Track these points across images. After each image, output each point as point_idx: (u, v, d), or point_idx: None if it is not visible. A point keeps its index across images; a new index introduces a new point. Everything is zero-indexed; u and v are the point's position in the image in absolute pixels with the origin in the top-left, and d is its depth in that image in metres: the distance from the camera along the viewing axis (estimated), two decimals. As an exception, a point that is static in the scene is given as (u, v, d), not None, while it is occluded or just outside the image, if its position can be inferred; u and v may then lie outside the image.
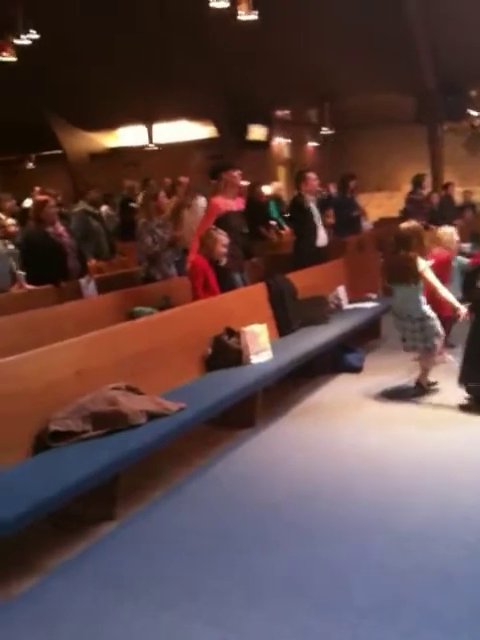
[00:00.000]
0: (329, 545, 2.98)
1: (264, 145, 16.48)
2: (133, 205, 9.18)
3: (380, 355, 6.06)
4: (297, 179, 7.16)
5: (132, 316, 5.04)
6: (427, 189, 11.60)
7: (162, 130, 16.69)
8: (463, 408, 4.51)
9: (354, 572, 2.76)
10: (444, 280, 5.21)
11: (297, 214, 6.98)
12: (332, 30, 12.32)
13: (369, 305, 6.51)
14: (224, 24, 11.36)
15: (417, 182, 10.95)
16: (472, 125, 15.70)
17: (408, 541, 2.96)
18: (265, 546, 2.99)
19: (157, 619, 2.53)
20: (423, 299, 4.80)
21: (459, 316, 4.86)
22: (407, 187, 11.50)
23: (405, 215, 9.39)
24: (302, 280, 6.02)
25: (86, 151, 17.62)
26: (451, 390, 4.75)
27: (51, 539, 3.07)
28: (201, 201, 7.23)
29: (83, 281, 5.99)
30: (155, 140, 16.98)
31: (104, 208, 9.49)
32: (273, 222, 9.92)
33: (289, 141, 17.97)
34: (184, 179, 7.89)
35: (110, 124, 17.05)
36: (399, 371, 5.32)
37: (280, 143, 17.79)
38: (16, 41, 11.23)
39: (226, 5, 10.36)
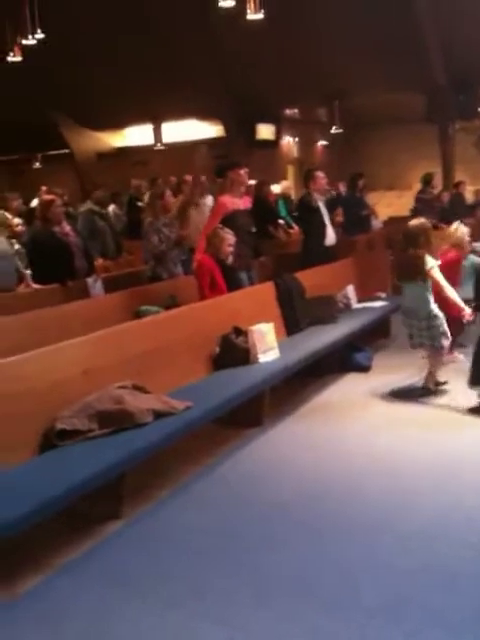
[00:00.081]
0: (336, 544, 2.97)
1: (273, 144, 16.44)
2: (140, 204, 9.18)
3: (389, 354, 6.03)
4: (305, 178, 7.13)
5: (138, 315, 5.03)
6: (437, 188, 11.55)
7: (170, 129, 16.68)
8: (471, 410, 4.47)
9: (361, 571, 2.74)
10: (454, 281, 5.16)
11: (305, 213, 6.95)
12: (340, 28, 12.27)
13: (378, 304, 6.48)
14: (231, 23, 11.33)
15: (426, 181, 10.89)
16: (484, 123, 15.59)
17: (414, 541, 2.95)
18: (273, 545, 2.98)
19: (164, 618, 2.53)
20: (431, 298, 4.77)
21: (463, 317, 4.83)
22: (418, 186, 11.44)
23: (415, 214, 9.33)
24: (310, 279, 6.00)
25: (93, 150, 17.64)
26: (460, 391, 4.71)
27: (57, 537, 3.07)
28: (209, 200, 7.22)
29: (90, 280, 5.98)
30: (163, 139, 16.98)
31: (111, 207, 9.49)
32: (281, 221, 9.89)
33: (298, 140, 17.92)
34: (189, 177, 7.87)
35: (117, 123, 17.06)
36: (408, 370, 5.28)
37: (289, 142, 17.74)
38: (23, 41, 11.25)
39: (233, 4, 10.33)
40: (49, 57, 12.62)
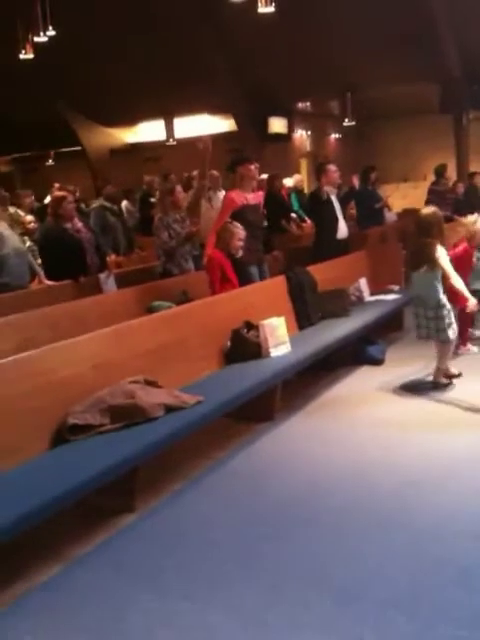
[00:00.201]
0: (348, 538, 2.97)
1: (285, 138, 16.39)
2: (153, 200, 9.21)
3: (402, 347, 6.01)
4: (318, 171, 7.11)
5: (150, 311, 5.05)
6: (451, 179, 11.46)
7: (182, 124, 16.68)
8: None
9: (373, 565, 2.75)
10: (465, 273, 5.12)
11: (315, 206, 6.93)
12: (352, 19, 12.16)
13: (391, 297, 6.45)
14: (243, 17, 11.30)
15: (439, 172, 10.82)
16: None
17: (425, 535, 2.94)
18: (285, 538, 2.99)
19: (177, 609, 2.55)
20: (440, 287, 4.73)
21: (466, 307, 4.80)
22: (432, 177, 11.36)
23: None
24: (323, 273, 5.98)
25: (106, 147, 17.69)
26: (473, 383, 4.68)
27: (71, 530, 3.11)
28: (221, 195, 7.21)
29: (102, 276, 6.01)
30: (175, 135, 16.98)
31: (124, 203, 9.54)
32: (294, 215, 9.87)
33: (310, 133, 17.85)
34: (194, 173, 7.86)
35: (129, 120, 17.09)
36: (421, 363, 5.26)
37: (301, 135, 17.67)
38: (35, 39, 11.30)
39: (244, -2, 10.31)
40: (61, 54, 12.66)
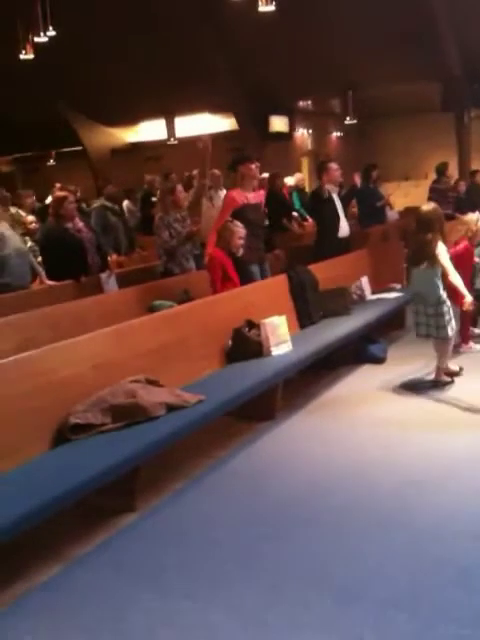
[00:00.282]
0: (349, 537, 2.97)
1: (286, 136, 16.38)
2: (154, 199, 9.21)
3: (404, 346, 6.00)
4: (319, 169, 7.10)
5: (152, 310, 5.05)
6: (453, 177, 11.43)
7: (183, 124, 16.67)
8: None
9: (374, 564, 2.74)
10: (465, 273, 5.10)
11: (317, 205, 6.92)
12: (353, 18, 12.15)
13: (393, 295, 6.44)
14: (243, 16, 11.29)
15: (440, 170, 10.80)
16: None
17: (426, 535, 2.94)
18: (285, 538, 2.99)
19: (178, 608, 2.55)
20: (440, 284, 4.72)
21: (462, 304, 4.78)
22: (434, 175, 11.34)
23: (430, 205, 9.25)
24: (324, 271, 5.98)
25: (107, 147, 17.70)
26: (474, 382, 4.67)
27: (71, 530, 3.11)
28: (222, 194, 7.21)
29: (104, 276, 6.01)
30: (176, 134, 16.98)
31: (126, 203, 9.54)
32: (295, 213, 9.86)
33: (311, 132, 17.83)
34: (194, 172, 7.86)
35: (130, 119, 17.09)
36: (423, 361, 5.24)
37: (302, 134, 17.66)
38: (35, 39, 11.30)
39: (244, -4, 10.30)
40: (61, 54, 12.66)
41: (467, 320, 5.67)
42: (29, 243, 6.25)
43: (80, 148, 17.25)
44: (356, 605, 2.50)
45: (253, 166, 5.75)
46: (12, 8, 11.15)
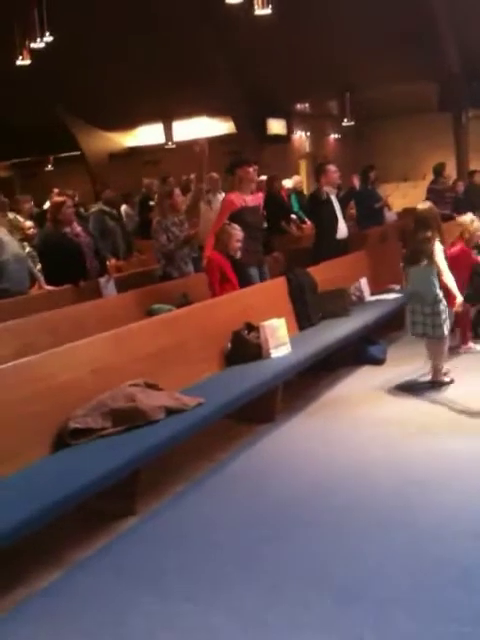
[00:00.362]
0: (349, 538, 2.97)
1: (284, 139, 16.41)
2: (152, 203, 9.22)
3: (403, 346, 5.99)
4: (317, 171, 7.12)
5: (151, 314, 5.06)
6: (451, 178, 11.43)
7: (181, 127, 16.70)
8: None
9: (374, 564, 2.75)
10: (460, 275, 5.07)
11: (315, 207, 6.93)
12: (350, 19, 12.15)
13: (392, 296, 6.44)
14: (240, 19, 11.31)
15: (438, 171, 10.80)
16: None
17: (426, 535, 2.94)
18: (286, 539, 3.00)
19: (179, 611, 2.55)
20: (437, 282, 4.72)
21: (453, 305, 4.78)
22: (432, 176, 11.34)
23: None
24: (323, 273, 5.98)
25: (105, 151, 17.72)
26: (473, 382, 4.67)
27: (72, 535, 3.11)
28: (220, 197, 7.22)
29: (102, 280, 6.02)
30: (174, 138, 17.00)
31: (124, 207, 9.55)
32: (294, 216, 9.87)
33: (309, 134, 17.86)
34: (192, 176, 7.87)
35: (128, 123, 17.10)
36: (423, 362, 5.24)
37: (300, 136, 17.68)
38: (32, 45, 11.32)
39: (240, 0, 10.31)
40: (58, 59, 12.68)
41: (466, 321, 5.67)
42: (27, 248, 6.26)
43: (78, 153, 17.27)
44: (356, 605, 2.50)
45: (251, 169, 5.76)
46: (9, 14, 11.17)
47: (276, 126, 15.93)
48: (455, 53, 13.54)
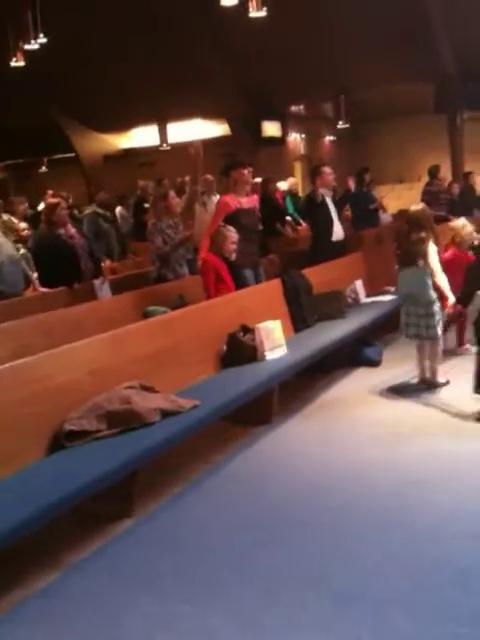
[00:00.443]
0: (346, 539, 2.97)
1: (279, 141, 16.42)
2: (147, 205, 9.22)
3: (399, 348, 5.99)
4: (312, 173, 7.13)
5: (146, 316, 5.05)
6: (446, 180, 11.46)
7: (176, 129, 16.69)
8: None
9: (371, 565, 2.75)
10: (453, 280, 5.06)
11: (311, 209, 6.95)
12: (345, 20, 12.16)
13: (387, 298, 6.45)
14: (235, 20, 11.32)
15: (432, 173, 10.84)
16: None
17: (423, 536, 2.95)
18: (283, 540, 3.00)
19: (176, 613, 2.55)
20: (431, 283, 4.73)
21: (444, 307, 4.78)
22: (426, 178, 11.38)
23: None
24: (319, 275, 5.99)
25: (99, 153, 17.69)
26: (471, 383, 4.67)
27: (68, 537, 3.10)
28: (215, 199, 7.22)
29: (97, 282, 6.01)
30: (168, 140, 17.00)
31: (119, 209, 9.55)
32: (289, 218, 9.88)
33: (304, 136, 17.89)
34: (187, 178, 7.88)
35: (123, 125, 17.09)
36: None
37: (295, 139, 17.71)
38: (26, 46, 11.30)
39: (235, 2, 10.32)
40: (53, 60, 12.65)
41: (463, 322, 5.68)
42: (22, 250, 6.24)
43: (73, 154, 17.23)
44: (354, 606, 2.50)
45: (245, 171, 5.77)
46: (3, 15, 11.15)
47: (271, 128, 15.95)
48: (450, 54, 13.57)
